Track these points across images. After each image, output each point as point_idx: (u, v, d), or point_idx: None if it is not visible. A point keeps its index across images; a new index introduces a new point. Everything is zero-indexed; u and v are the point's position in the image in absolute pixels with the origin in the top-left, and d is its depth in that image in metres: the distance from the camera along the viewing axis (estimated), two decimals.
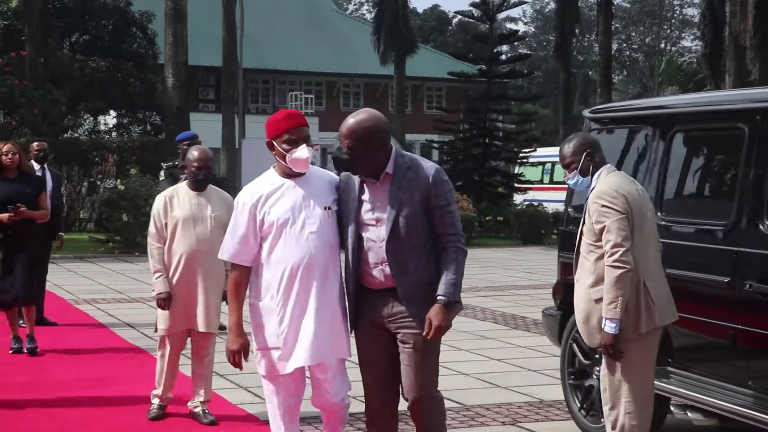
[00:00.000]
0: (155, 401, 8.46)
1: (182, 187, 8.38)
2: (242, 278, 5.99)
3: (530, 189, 32.02)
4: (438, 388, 5.99)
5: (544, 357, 11.23)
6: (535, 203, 30.82)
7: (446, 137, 33.39)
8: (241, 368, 6.08)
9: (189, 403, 8.48)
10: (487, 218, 29.82)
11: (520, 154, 31.88)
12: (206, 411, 8.30)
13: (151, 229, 8.34)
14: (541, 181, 32.98)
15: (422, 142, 43.13)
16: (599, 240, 6.30)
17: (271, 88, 58.57)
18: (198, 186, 8.31)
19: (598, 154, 6.57)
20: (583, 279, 6.53)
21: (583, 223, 6.50)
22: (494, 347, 12.03)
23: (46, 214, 11.07)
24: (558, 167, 33.13)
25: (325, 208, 5.91)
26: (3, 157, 10.64)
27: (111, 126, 38.46)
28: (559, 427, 8.19)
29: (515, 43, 33.62)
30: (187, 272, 8.17)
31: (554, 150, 35.41)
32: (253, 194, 5.96)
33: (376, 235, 5.76)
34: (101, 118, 37.58)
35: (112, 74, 35.98)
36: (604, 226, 6.25)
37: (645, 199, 6.59)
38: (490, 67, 32.13)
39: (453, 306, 5.71)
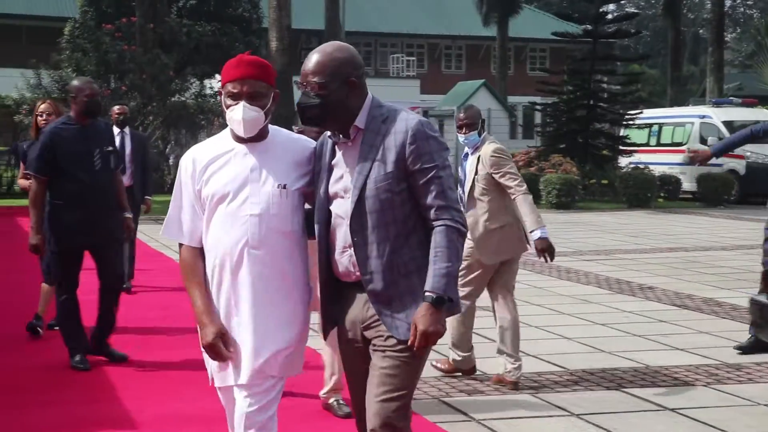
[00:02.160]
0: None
1: None
2: (195, 259, 4.77)
3: (636, 151, 31.64)
4: (406, 422, 4.49)
5: (650, 322, 11.21)
6: (641, 166, 30.45)
7: (549, 99, 33.11)
8: (224, 360, 4.63)
9: (321, 393, 7.48)
10: (591, 181, 29.65)
11: (626, 116, 31.56)
12: (340, 401, 7.30)
13: None
14: (647, 144, 32.54)
15: (525, 105, 42.97)
16: (491, 184, 8.38)
17: (373, 50, 58.68)
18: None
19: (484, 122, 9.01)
20: (478, 216, 8.38)
21: (476, 173, 8.49)
22: (598, 312, 11.91)
23: None
24: (666, 126, 32.84)
25: (279, 186, 4.61)
26: (38, 117, 9.87)
27: (216, 90, 38.87)
28: (666, 392, 8.14)
29: (622, 2, 33.19)
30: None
31: (661, 111, 35.20)
32: (195, 159, 4.78)
33: (343, 210, 4.45)
34: (207, 82, 38.04)
35: (218, 38, 36.44)
36: (506, 171, 8.48)
37: None
38: (595, 26, 31.83)
39: (444, 304, 4.24)
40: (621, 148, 31.52)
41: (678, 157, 31.19)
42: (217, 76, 38.39)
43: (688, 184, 30.59)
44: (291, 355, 4.67)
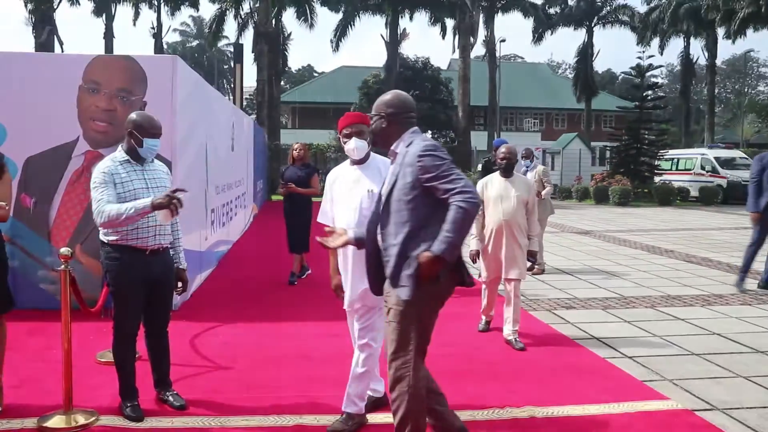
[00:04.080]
0: (483, 317, 6.83)
1: (495, 175, 6.47)
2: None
3: (663, 174, 30.59)
4: (410, 375, 3.47)
5: (670, 270, 10.90)
6: (667, 182, 29.47)
7: (614, 144, 32.18)
8: (339, 296, 4.40)
9: (504, 331, 6.42)
10: (638, 190, 28.76)
11: (658, 154, 30.43)
12: (517, 339, 6.30)
13: None
14: (670, 169, 31.34)
15: (600, 147, 41.69)
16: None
17: (515, 117, 57.83)
18: (504, 173, 6.42)
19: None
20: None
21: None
22: (641, 264, 11.62)
23: (313, 191, 8.99)
24: (681, 159, 31.56)
25: (369, 190, 4.18)
26: (294, 151, 9.19)
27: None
28: (679, 310, 8.00)
29: (656, 90, 31.74)
30: (498, 235, 6.30)
31: (678, 151, 33.77)
32: (331, 175, 4.45)
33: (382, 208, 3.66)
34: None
35: (429, 111, 36.85)
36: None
37: None
38: (641, 103, 30.73)
39: (440, 261, 3.29)
40: (655, 172, 30.35)
41: (687, 177, 30.17)
42: (429, 133, 38.99)
43: (694, 192, 29.46)
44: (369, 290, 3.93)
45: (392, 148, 3.66)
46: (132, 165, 4.38)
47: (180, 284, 4.69)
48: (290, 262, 9.69)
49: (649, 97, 31.61)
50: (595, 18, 45.75)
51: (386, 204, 3.56)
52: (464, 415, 4.47)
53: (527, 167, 10.24)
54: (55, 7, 39.11)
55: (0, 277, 4.42)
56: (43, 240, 7.42)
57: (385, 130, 3.67)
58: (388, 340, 3.53)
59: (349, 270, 4.25)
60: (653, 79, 33.48)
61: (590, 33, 45.96)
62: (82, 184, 7.40)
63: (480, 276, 6.62)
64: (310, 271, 9.76)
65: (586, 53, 45.97)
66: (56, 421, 4.28)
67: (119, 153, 4.42)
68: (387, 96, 3.72)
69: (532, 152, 10.34)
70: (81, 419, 4.31)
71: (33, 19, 38.53)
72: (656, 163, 30.56)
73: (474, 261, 6.44)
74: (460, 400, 4.73)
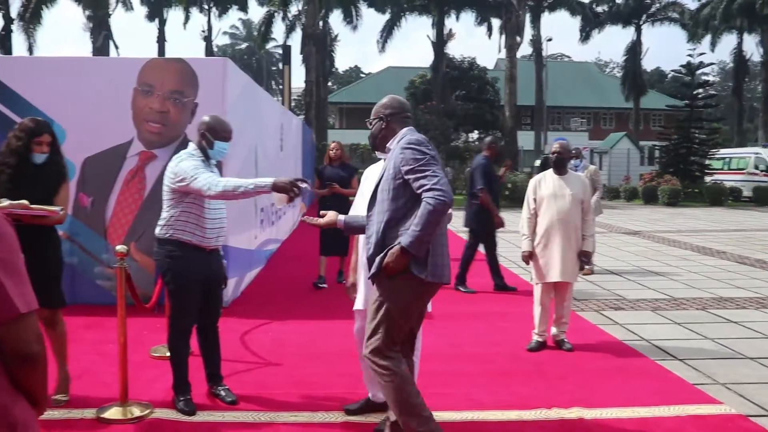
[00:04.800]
0: (534, 337, 6.20)
1: (549, 172, 6.16)
2: None
3: (715, 173, 29.91)
4: (384, 360, 3.55)
5: (722, 272, 10.64)
6: (718, 182, 28.80)
7: (663, 143, 31.57)
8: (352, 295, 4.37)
9: (552, 331, 6.25)
10: (688, 190, 28.20)
11: (709, 153, 29.77)
12: (565, 339, 6.15)
13: (525, 204, 6.20)
14: (722, 169, 30.62)
15: (649, 146, 41.01)
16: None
17: (561, 116, 57.12)
18: (557, 169, 6.13)
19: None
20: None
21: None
22: (692, 265, 11.32)
23: (354, 192, 7.65)
24: (734, 159, 30.80)
25: None
26: (330, 151, 8.93)
27: (475, 139, 39.12)
28: (731, 313, 7.80)
29: (707, 88, 30.93)
30: (551, 235, 5.96)
31: (730, 150, 33.00)
32: (366, 171, 4.41)
33: None
34: (470, 135, 38.28)
35: (476, 111, 36.63)
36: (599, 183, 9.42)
37: None
38: (691, 102, 30.12)
39: (407, 253, 3.39)
40: (706, 171, 29.71)
41: (740, 177, 29.48)
42: (476, 132, 38.78)
43: (746, 192, 28.73)
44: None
45: (387, 145, 3.74)
46: (204, 164, 4.46)
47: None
48: (331, 261, 9.37)
49: (699, 96, 30.95)
50: (644, 15, 44.97)
51: (373, 195, 3.66)
52: (511, 415, 4.45)
53: (576, 167, 10.07)
54: (110, 12, 40.05)
55: (56, 276, 4.48)
56: (100, 238, 7.60)
57: (384, 131, 3.76)
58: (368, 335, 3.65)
59: (362, 274, 4.18)
60: (704, 77, 32.82)
61: (639, 31, 45.20)
62: (136, 184, 7.56)
63: (532, 279, 6.33)
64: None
65: (634, 51, 45.20)
66: (113, 412, 4.39)
67: (194, 150, 4.50)
68: (384, 100, 3.83)
69: (580, 152, 10.20)
70: (137, 411, 4.41)
71: (91, 25, 39.53)
72: (707, 162, 29.93)
73: (527, 262, 6.11)
74: (508, 400, 4.71)
